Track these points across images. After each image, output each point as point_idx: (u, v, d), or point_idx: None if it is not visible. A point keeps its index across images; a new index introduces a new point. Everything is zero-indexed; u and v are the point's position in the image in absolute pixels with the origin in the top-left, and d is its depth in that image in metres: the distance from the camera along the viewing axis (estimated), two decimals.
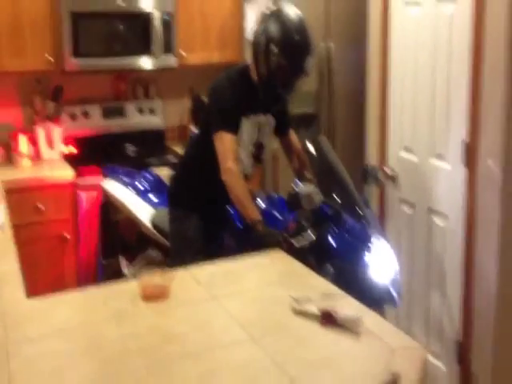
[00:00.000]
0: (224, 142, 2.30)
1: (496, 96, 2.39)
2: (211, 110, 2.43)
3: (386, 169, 2.89)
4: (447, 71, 2.66)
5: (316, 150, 2.54)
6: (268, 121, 2.51)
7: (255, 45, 2.35)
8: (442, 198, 2.76)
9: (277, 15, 2.34)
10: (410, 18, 2.85)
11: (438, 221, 2.80)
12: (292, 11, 2.35)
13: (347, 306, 1.57)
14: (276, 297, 1.67)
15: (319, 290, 1.70)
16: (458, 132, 2.59)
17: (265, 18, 2.37)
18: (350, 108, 3.64)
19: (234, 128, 2.34)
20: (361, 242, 2.28)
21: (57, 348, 1.43)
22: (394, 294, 2.25)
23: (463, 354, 2.69)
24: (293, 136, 2.72)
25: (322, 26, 3.61)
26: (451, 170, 2.67)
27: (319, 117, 3.72)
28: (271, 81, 2.34)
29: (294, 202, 2.25)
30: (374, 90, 3.17)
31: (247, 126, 2.41)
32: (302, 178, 2.54)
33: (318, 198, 2.25)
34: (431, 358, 2.90)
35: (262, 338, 1.45)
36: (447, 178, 2.71)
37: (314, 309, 1.54)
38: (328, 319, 1.49)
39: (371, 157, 3.21)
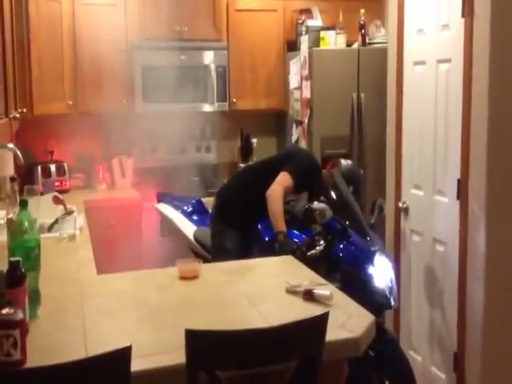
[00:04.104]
0: (285, 180, 2.95)
1: (481, 139, 2.71)
2: (289, 161, 3.05)
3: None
4: (445, 118, 3.00)
5: (331, 183, 3.00)
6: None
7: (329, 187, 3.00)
8: (442, 228, 3.08)
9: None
10: (417, 74, 3.25)
11: (439, 247, 3.12)
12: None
13: (326, 289, 2.07)
14: (276, 282, 2.19)
15: (310, 280, 2.20)
16: (454, 171, 2.93)
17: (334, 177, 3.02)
18: (377, 149, 3.94)
19: (297, 183, 2.96)
20: (364, 255, 2.68)
21: (114, 302, 2.03)
22: (391, 298, 2.64)
23: (458, 363, 2.98)
24: None
25: (354, 79, 4.09)
26: (449, 204, 3.00)
27: (351, 157, 4.05)
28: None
29: (309, 215, 2.69)
30: (391, 137, 3.51)
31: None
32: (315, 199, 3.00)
33: (329, 213, 2.69)
34: (433, 369, 3.18)
35: (258, 305, 1.99)
36: (446, 210, 3.03)
37: (300, 289, 2.08)
38: (308, 295, 2.00)
39: (390, 193, 3.55)
